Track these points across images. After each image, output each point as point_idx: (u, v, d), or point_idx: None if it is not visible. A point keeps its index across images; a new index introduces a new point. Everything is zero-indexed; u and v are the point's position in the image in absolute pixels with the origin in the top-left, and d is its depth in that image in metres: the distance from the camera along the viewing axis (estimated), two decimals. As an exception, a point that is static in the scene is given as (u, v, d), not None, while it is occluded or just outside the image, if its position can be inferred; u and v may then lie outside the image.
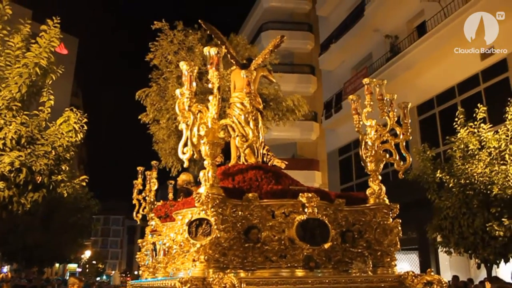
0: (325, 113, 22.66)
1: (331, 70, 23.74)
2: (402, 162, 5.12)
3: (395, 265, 4.94)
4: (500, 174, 9.06)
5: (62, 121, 9.06)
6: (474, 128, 9.81)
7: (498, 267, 10.03)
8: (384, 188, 5.02)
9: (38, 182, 8.37)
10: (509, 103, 9.61)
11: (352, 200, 5.10)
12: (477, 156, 9.50)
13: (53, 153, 8.61)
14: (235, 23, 30.06)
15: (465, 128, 9.92)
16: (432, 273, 4.47)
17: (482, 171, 9.29)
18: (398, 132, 5.11)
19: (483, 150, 9.51)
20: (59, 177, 8.86)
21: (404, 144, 5.11)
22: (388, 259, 4.86)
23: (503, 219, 8.61)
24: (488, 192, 9.01)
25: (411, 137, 5.25)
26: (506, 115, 9.47)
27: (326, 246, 4.41)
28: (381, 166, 5.12)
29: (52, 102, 9.10)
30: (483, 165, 9.34)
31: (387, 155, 5.14)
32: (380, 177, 5.12)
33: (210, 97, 4.30)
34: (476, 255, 9.49)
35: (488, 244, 8.98)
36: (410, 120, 5.22)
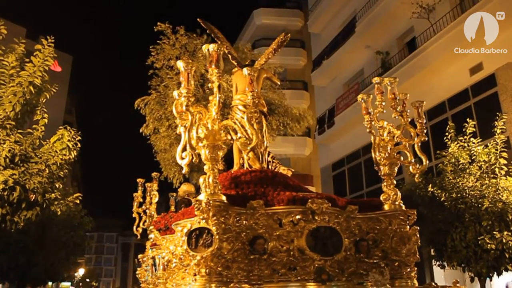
0: (318, 128, 22.77)
1: (323, 86, 23.96)
2: (418, 165, 4.83)
3: (415, 277, 4.59)
4: (490, 187, 9.17)
5: (55, 139, 9.08)
6: (464, 142, 9.93)
7: (491, 280, 10.04)
8: (399, 194, 4.68)
9: (32, 200, 8.35)
10: (497, 117, 9.78)
11: (365, 207, 4.72)
12: (467, 170, 9.58)
13: (47, 171, 8.62)
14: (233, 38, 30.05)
15: (456, 142, 10.03)
16: (458, 284, 4.23)
17: (473, 184, 9.38)
18: (412, 134, 4.82)
19: (474, 164, 9.60)
20: (53, 195, 8.85)
21: (419, 145, 4.80)
22: (407, 270, 4.53)
23: (494, 232, 8.66)
24: (479, 205, 9.07)
25: (426, 138, 4.94)
26: (495, 129, 9.64)
27: (339, 256, 4.12)
28: (396, 169, 4.80)
29: (46, 120, 9.14)
30: (473, 178, 9.43)
31: (401, 158, 4.85)
32: (395, 182, 4.76)
33: (210, 97, 3.96)
34: (469, 268, 9.50)
35: (481, 257, 8.98)
36: (425, 120, 4.84)
